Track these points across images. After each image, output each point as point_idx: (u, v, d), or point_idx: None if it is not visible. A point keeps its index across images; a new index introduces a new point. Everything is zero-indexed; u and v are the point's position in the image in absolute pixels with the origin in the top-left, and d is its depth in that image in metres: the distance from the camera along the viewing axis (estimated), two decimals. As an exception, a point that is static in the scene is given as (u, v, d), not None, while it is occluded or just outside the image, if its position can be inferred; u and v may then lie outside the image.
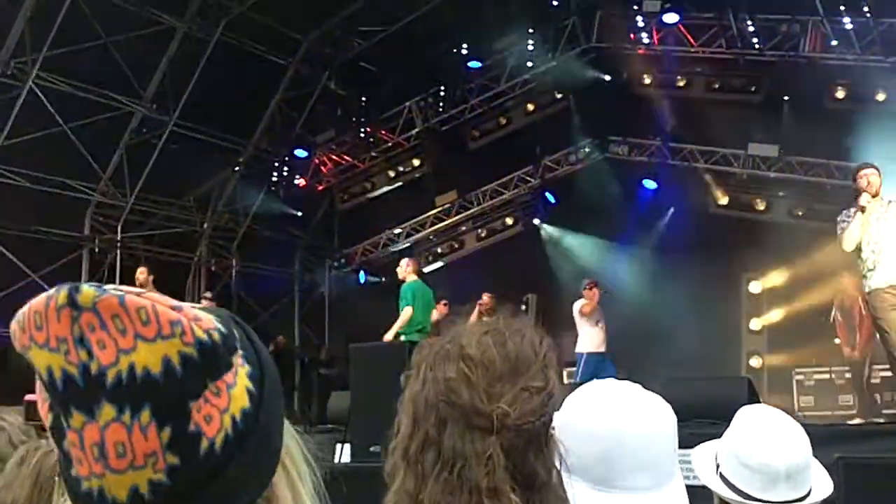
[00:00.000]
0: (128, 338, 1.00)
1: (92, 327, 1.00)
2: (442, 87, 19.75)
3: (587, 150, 19.54)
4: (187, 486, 1.02)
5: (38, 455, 2.69)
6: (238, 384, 1.07)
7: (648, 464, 1.96)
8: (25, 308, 1.03)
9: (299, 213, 20.66)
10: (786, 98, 17.25)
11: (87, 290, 1.00)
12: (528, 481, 1.58)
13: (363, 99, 20.16)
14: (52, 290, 1.02)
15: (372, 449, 8.08)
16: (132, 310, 1.00)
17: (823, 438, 7.63)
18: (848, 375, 13.59)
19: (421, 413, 1.62)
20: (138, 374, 0.99)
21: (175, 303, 1.04)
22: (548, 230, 20.08)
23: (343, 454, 9.34)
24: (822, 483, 2.98)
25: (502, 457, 1.55)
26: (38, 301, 1.02)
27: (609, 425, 1.96)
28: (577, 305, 13.39)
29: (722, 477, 2.91)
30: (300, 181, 20.48)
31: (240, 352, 1.09)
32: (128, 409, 0.99)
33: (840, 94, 16.84)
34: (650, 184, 18.81)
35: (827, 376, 14.96)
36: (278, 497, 1.13)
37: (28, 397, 2.88)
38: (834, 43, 16.32)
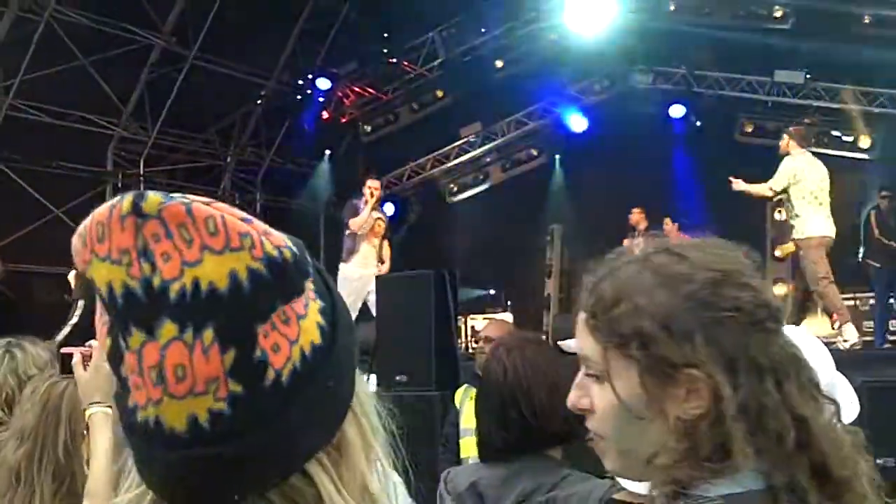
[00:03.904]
0: (194, 249, 0.93)
1: (157, 237, 0.93)
2: (464, 18, 19.53)
3: (611, 78, 19.37)
4: (249, 420, 0.95)
5: (45, 386, 2.73)
6: (309, 316, 1.00)
7: None
8: (88, 220, 0.97)
9: (325, 149, 20.62)
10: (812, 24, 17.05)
11: (153, 196, 0.94)
12: None
13: (385, 30, 19.98)
14: (115, 199, 0.96)
15: (398, 378, 8.11)
16: (199, 219, 0.94)
17: (848, 363, 7.60)
18: (872, 301, 13.53)
19: None
20: (203, 289, 0.92)
21: (245, 215, 0.98)
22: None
23: (369, 383, 9.39)
24: (848, 406, 2.90)
25: None
26: (102, 210, 0.96)
27: None
28: None
29: None
30: (324, 114, 20.39)
31: (312, 282, 1.03)
32: (190, 327, 0.93)
33: (867, 18, 16.60)
34: (677, 111, 18.61)
35: (852, 302, 14.84)
36: (348, 443, 1.05)
37: (64, 350, 2.85)
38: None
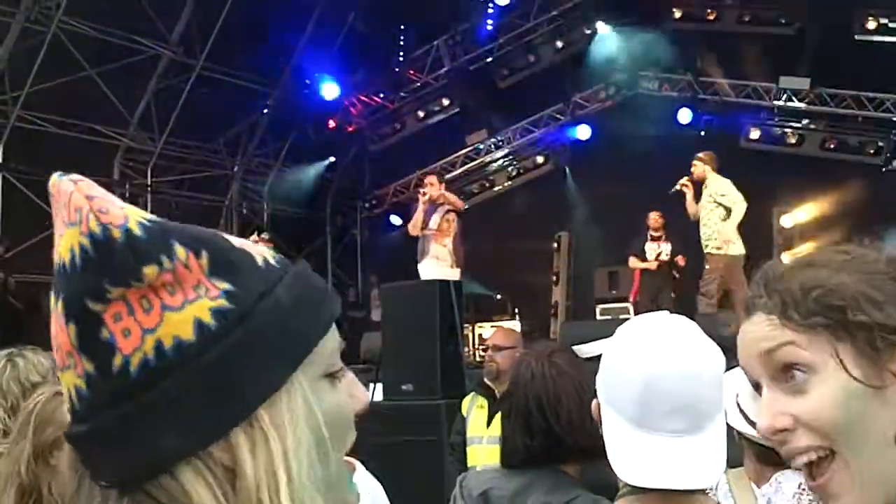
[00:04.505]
0: (61, 223, 0.98)
1: (56, 213, 0.99)
2: (469, 26, 19.57)
3: (617, 85, 19.38)
4: (99, 402, 0.95)
5: (37, 397, 2.73)
6: (186, 310, 0.95)
7: (684, 407, 1.94)
8: None
9: (331, 157, 20.67)
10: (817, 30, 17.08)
11: (53, 175, 1.00)
12: None
13: (391, 39, 20.01)
14: None
15: (403, 387, 8.11)
16: (60, 194, 0.99)
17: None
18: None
19: None
20: (59, 262, 0.97)
21: (95, 192, 0.97)
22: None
23: (375, 393, 9.40)
24: None
25: None
26: None
27: (644, 369, 1.95)
28: None
29: (739, 408, 2.83)
30: (330, 123, 20.41)
31: (213, 280, 0.97)
32: (55, 299, 0.97)
33: (871, 24, 16.64)
34: (683, 117, 18.59)
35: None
36: (242, 468, 0.95)
37: None
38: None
